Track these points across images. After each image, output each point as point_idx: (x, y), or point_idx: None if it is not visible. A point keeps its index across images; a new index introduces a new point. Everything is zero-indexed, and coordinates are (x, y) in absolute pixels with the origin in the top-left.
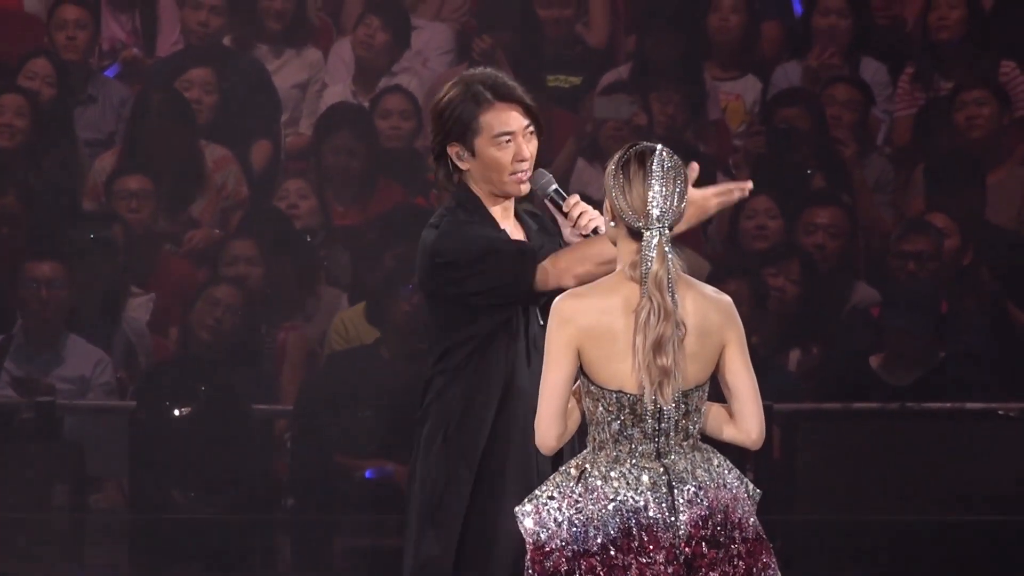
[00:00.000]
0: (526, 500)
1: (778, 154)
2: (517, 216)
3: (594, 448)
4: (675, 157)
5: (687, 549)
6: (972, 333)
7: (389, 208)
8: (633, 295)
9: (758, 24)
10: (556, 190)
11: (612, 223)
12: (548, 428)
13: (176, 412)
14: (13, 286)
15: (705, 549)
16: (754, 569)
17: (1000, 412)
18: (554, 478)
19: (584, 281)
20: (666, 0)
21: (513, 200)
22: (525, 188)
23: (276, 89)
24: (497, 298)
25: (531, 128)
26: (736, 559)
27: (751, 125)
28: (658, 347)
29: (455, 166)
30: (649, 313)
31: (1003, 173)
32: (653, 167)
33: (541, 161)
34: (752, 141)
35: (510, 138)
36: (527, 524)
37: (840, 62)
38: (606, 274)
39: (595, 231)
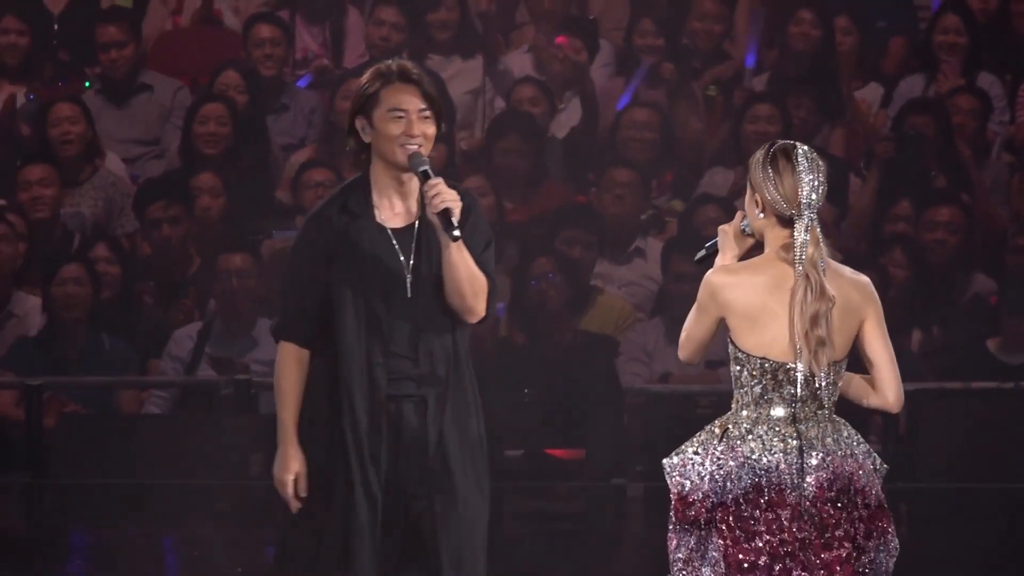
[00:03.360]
0: (673, 454)
1: (906, 158)
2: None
3: (737, 409)
4: (813, 151)
5: (813, 509)
6: None
7: (541, 210)
8: (783, 274)
9: (886, 39)
10: (424, 171)
11: (761, 215)
12: (690, 353)
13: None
14: (210, 278)
15: (832, 510)
16: (874, 532)
17: None
18: (699, 436)
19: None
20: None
21: (417, 184)
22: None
23: (450, 96)
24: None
25: (426, 112)
26: (857, 521)
27: (882, 131)
28: (815, 320)
29: (361, 142)
30: (806, 290)
31: None
32: (799, 160)
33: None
34: (882, 146)
35: (403, 115)
36: (674, 477)
37: (960, 75)
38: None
39: (445, 211)
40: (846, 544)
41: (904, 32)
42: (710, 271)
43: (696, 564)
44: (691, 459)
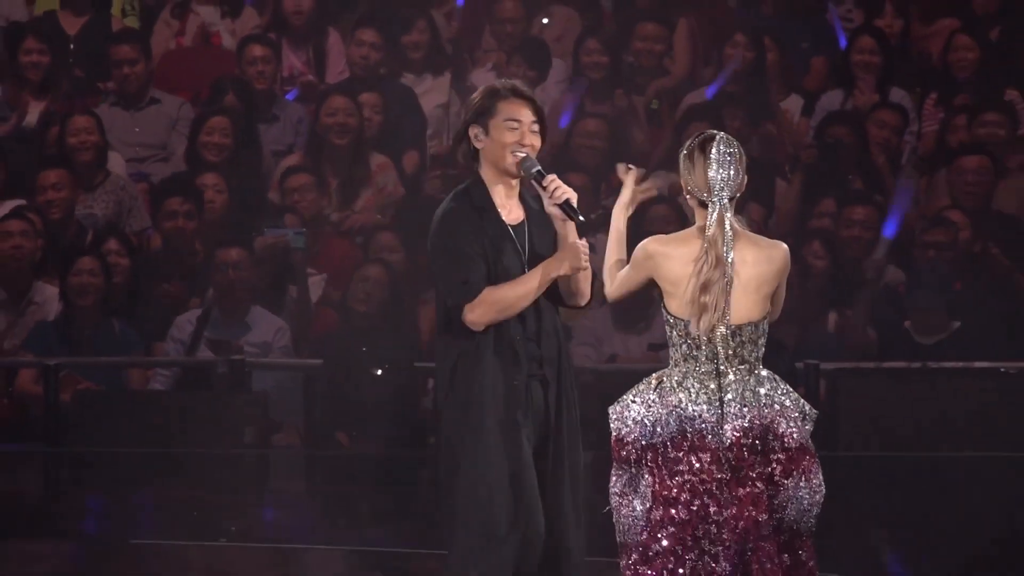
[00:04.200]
0: (617, 402)
1: (827, 163)
2: (522, 199)
3: (671, 364)
4: (732, 142)
5: (730, 454)
6: (981, 306)
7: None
8: (699, 248)
9: (809, 58)
10: (538, 171)
11: (688, 196)
12: (614, 296)
13: (378, 372)
14: (208, 269)
15: (746, 454)
16: (794, 471)
17: (1002, 370)
18: (638, 386)
19: (486, 324)
20: (729, 37)
21: (518, 185)
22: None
23: (422, 109)
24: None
25: (536, 126)
26: (775, 463)
27: (805, 139)
28: (705, 288)
29: (473, 149)
30: (703, 263)
31: (1012, 178)
32: (712, 153)
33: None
34: (806, 153)
35: (517, 126)
36: (615, 421)
37: (874, 91)
38: (507, 317)
39: (567, 202)
40: (759, 483)
41: (825, 52)
42: (648, 239)
43: (629, 497)
44: (629, 406)
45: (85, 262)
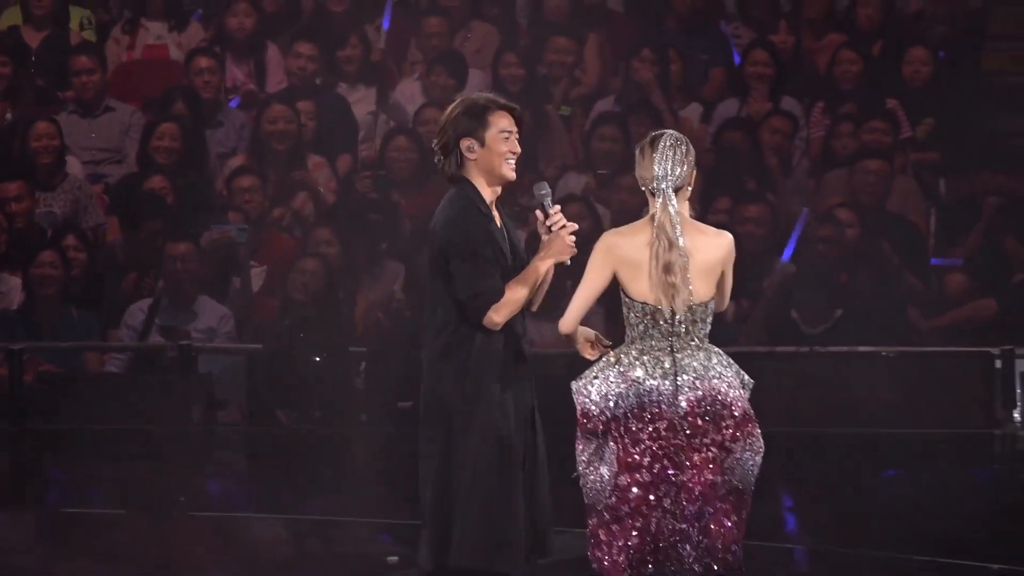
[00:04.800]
0: (579, 377)
1: (723, 165)
2: (495, 206)
3: (628, 342)
4: (680, 138)
5: (685, 422)
6: (863, 297)
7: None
8: (652, 234)
9: (707, 69)
10: (549, 201)
11: (642, 187)
12: (574, 317)
13: (317, 359)
14: (159, 262)
15: (699, 422)
16: (740, 436)
17: (883, 353)
18: (598, 363)
19: (514, 313)
20: (636, 50)
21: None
22: (513, 174)
23: (355, 116)
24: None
25: (518, 135)
26: (724, 429)
27: (704, 144)
28: (667, 269)
29: (461, 159)
30: (658, 247)
31: (896, 179)
32: (658, 148)
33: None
34: (704, 156)
35: (508, 135)
36: (578, 397)
37: (767, 99)
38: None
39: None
40: (712, 448)
41: (722, 64)
42: (605, 233)
43: (596, 465)
44: (592, 382)
45: (46, 256)
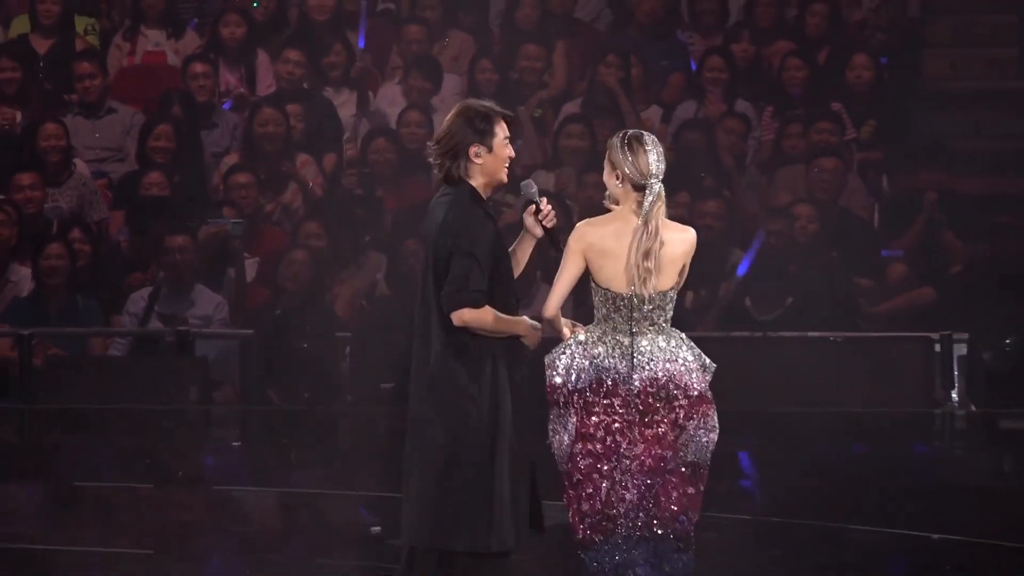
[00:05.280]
0: (552, 351)
1: (682, 163)
2: None
3: (594, 324)
4: (655, 138)
5: (638, 400)
6: (813, 286)
7: (410, 200)
8: (627, 226)
9: (667, 74)
10: (537, 195)
11: (619, 184)
12: (556, 302)
13: (304, 345)
14: (158, 254)
15: (651, 400)
16: (694, 416)
17: (831, 338)
18: (567, 341)
19: (478, 330)
20: (600, 57)
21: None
22: (506, 177)
23: (339, 117)
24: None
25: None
26: (678, 408)
27: (664, 143)
28: (646, 255)
29: (465, 163)
30: (644, 233)
31: (842, 175)
32: (647, 143)
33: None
34: (664, 154)
35: (508, 141)
36: (548, 370)
37: (722, 102)
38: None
39: (554, 228)
40: (664, 424)
41: (680, 69)
42: (579, 223)
43: (560, 434)
44: (559, 357)
45: (53, 248)
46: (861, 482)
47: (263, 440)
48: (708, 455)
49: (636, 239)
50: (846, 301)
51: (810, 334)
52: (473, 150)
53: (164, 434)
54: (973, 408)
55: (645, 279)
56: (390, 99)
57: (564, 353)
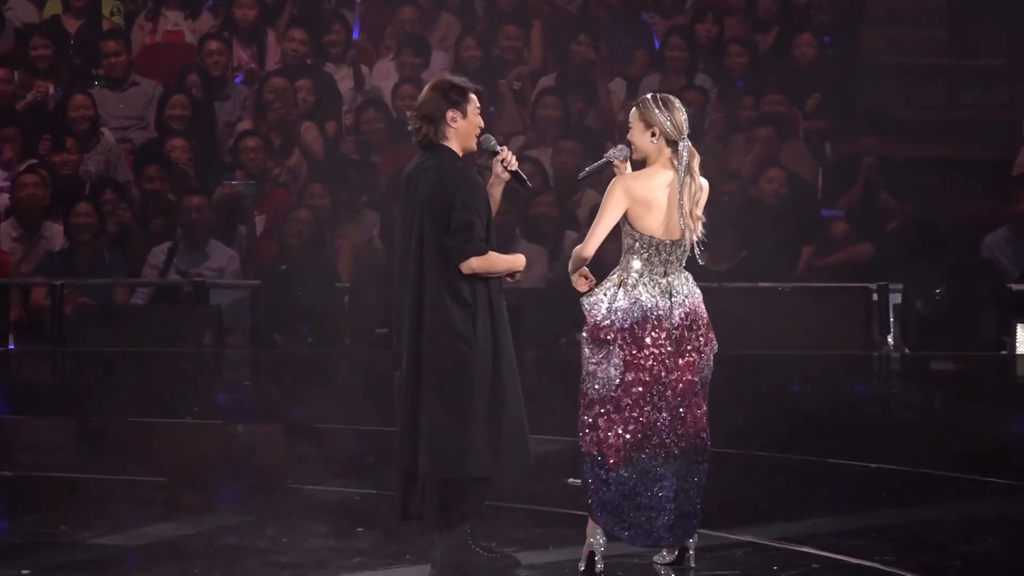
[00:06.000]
0: (588, 295)
1: None
2: None
3: (625, 266)
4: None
5: (676, 332)
6: (762, 239)
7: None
8: (665, 179)
9: (632, 51)
10: (495, 145)
11: (653, 140)
12: (593, 246)
13: (302, 293)
14: (178, 212)
15: (686, 332)
16: (707, 343)
17: (779, 288)
18: (605, 283)
19: (486, 273)
20: (573, 36)
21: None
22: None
23: (339, 90)
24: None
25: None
26: (700, 336)
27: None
28: (697, 204)
29: (442, 128)
30: (690, 184)
31: (791, 143)
32: (676, 103)
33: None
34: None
35: (479, 109)
36: (590, 311)
37: (682, 76)
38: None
39: (514, 170)
40: (693, 354)
41: (644, 47)
42: (619, 177)
43: (604, 366)
44: (600, 299)
45: (82, 207)
46: (806, 417)
47: (271, 379)
48: (709, 377)
49: (685, 190)
50: (793, 255)
51: (761, 284)
52: (450, 114)
53: (182, 374)
54: (907, 351)
55: (697, 225)
56: (385, 73)
57: (606, 295)
